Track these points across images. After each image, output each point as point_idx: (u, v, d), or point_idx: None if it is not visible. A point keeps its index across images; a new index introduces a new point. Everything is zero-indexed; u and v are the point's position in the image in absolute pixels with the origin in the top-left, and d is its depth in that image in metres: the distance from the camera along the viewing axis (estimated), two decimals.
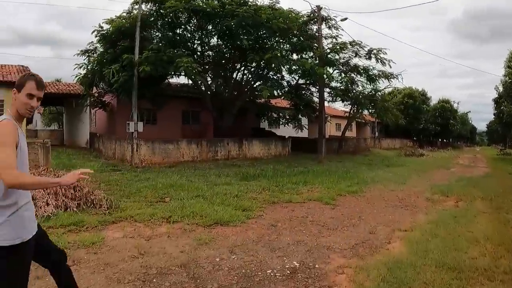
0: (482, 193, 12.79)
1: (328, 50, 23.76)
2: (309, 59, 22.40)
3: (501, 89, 39.41)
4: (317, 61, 22.96)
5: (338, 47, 23.55)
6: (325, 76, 22.22)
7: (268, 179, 14.90)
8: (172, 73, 19.08)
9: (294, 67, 22.89)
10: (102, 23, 21.18)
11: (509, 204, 10.83)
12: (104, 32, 21.25)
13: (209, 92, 24.74)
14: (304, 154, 26.58)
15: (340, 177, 15.73)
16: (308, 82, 27.69)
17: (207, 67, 24.85)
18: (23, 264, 2.91)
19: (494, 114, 44.93)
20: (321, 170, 18.37)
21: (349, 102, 29.40)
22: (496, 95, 41.47)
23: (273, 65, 20.92)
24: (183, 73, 19.51)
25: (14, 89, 2.89)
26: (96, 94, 25.45)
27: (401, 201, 11.08)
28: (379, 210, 9.64)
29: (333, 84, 26.75)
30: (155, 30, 22.98)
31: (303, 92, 29.88)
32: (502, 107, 38.31)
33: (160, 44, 19.58)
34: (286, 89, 27.95)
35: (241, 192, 11.67)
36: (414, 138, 57.48)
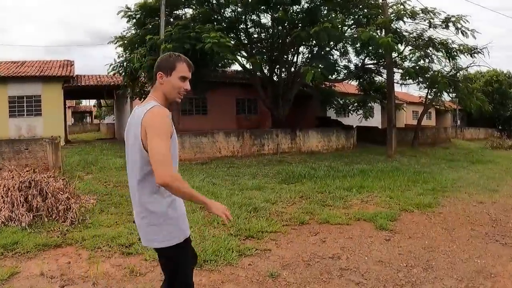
0: None
1: (394, 18, 19.37)
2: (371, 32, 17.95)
3: None
4: (383, 34, 18.87)
5: (406, 12, 19.07)
6: (393, 49, 17.43)
7: (315, 181, 11.58)
8: (202, 52, 15.56)
9: (349, 41, 19.30)
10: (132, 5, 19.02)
11: None
12: (131, 13, 19.02)
13: (259, 76, 21.56)
14: (372, 147, 22.62)
15: (411, 180, 11.93)
16: (376, 62, 23.85)
17: (254, 49, 21.61)
18: None
19: None
20: (387, 168, 14.61)
21: (424, 85, 25.03)
22: None
23: (322, 40, 17.13)
24: (213, 52, 16.07)
25: (160, 72, 2.71)
26: (139, 84, 23.15)
27: (495, 224, 7.31)
28: (461, 245, 6.01)
29: (406, 64, 22.60)
30: (186, 7, 20.18)
31: (372, 74, 26.05)
32: None
33: (193, 23, 16.57)
34: (351, 71, 24.46)
35: (267, 203, 8.65)
36: (500, 128, 51.64)
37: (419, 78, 23.00)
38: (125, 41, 19.76)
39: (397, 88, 23.22)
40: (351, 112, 28.34)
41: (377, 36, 16.37)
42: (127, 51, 19.35)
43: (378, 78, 26.73)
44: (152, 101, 2.65)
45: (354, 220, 7.40)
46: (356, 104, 27.89)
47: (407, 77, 22.03)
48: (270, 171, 13.69)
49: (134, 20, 19.64)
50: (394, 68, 21.54)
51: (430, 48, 20.70)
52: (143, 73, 18.19)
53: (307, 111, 27.20)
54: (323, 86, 25.61)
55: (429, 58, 21.56)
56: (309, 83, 22.99)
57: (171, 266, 2.83)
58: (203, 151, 16.75)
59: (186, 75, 2.73)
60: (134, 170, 2.66)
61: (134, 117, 2.67)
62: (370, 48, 19.94)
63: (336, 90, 26.70)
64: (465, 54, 21.04)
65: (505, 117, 50.02)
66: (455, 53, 20.78)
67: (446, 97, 28.15)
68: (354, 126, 24.41)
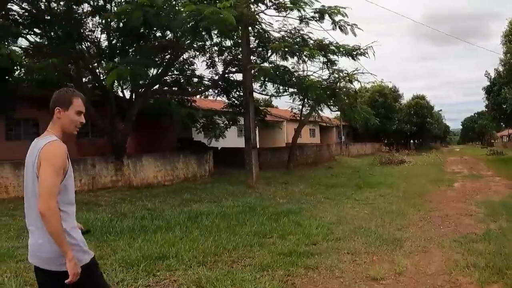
0: None
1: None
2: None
3: (493, 75, 32.63)
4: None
5: None
6: (229, 22, 11.23)
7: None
8: None
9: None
10: None
11: None
12: None
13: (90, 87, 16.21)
14: (236, 173, 17.77)
15: (259, 232, 7.19)
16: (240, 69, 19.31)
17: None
18: None
19: (486, 106, 37.42)
20: (236, 208, 9.66)
21: (299, 96, 21.07)
22: (488, 83, 34.20)
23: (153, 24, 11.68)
24: None
25: (58, 107, 2.64)
26: None
27: None
28: None
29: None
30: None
31: (241, 87, 21.31)
32: (498, 95, 30.93)
33: None
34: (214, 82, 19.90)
35: None
36: (385, 141, 50.96)
37: (288, 85, 18.92)
38: None
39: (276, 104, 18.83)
40: (221, 131, 23.49)
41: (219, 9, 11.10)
42: None
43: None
44: (51, 135, 2.59)
45: None
46: (225, 121, 23.01)
47: (266, 80, 17.93)
48: None
49: None
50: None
51: (305, 50, 16.11)
52: None
53: (167, 132, 22.04)
54: (186, 100, 20.79)
55: (295, 54, 17.05)
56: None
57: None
58: None
59: (82, 109, 2.71)
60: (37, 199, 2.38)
61: (33, 149, 2.56)
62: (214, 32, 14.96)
63: (197, 106, 21.74)
64: (346, 55, 17.07)
65: (391, 131, 49.36)
66: (333, 54, 16.86)
67: (328, 112, 24.50)
68: (219, 148, 19.75)
